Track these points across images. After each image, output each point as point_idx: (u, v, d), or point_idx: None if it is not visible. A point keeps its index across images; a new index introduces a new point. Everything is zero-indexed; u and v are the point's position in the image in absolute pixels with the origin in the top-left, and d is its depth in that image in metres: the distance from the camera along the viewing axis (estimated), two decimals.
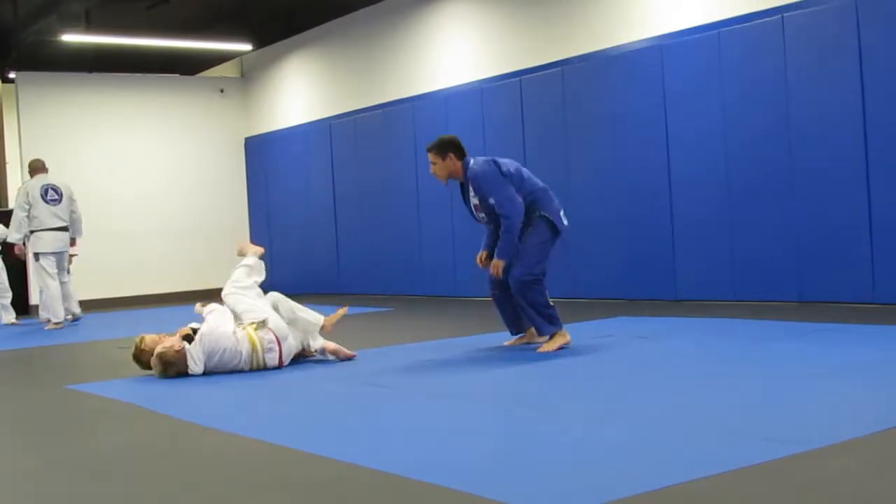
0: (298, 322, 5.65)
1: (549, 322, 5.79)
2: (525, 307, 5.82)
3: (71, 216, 9.81)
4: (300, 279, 13.00)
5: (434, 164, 6.03)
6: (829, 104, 7.26)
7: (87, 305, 12.65)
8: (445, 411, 4.05)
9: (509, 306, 6.03)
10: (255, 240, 14.38)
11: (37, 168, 9.80)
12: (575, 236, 9.32)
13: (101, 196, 12.73)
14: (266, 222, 14.08)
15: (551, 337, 5.78)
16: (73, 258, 10.78)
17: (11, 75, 13.22)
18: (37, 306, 11.42)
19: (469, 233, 10.45)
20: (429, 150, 6.08)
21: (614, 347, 5.82)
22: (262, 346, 5.42)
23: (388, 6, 11.66)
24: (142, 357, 5.45)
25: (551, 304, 5.87)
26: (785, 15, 7.50)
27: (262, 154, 14.04)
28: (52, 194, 9.65)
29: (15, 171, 13.51)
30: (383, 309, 9.74)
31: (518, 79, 9.84)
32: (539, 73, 9.61)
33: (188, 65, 14.14)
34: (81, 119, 13.29)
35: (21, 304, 12.14)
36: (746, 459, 2.85)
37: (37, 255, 9.62)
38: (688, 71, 8.20)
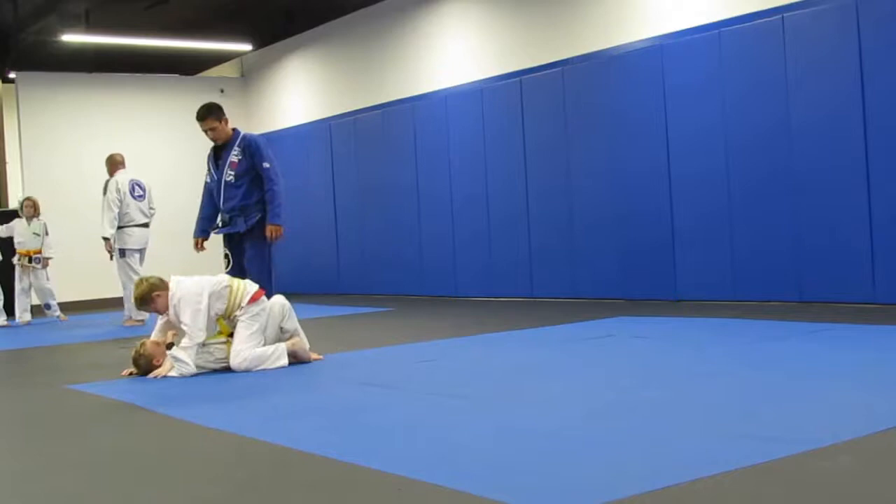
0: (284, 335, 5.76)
1: None
2: None
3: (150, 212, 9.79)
4: (300, 279, 13.01)
5: (213, 129, 6.47)
6: (829, 104, 7.26)
7: (88, 305, 12.71)
8: (445, 411, 4.05)
9: None
10: None
11: (119, 162, 9.74)
12: (575, 236, 9.33)
13: (101, 196, 12.70)
14: None
15: None
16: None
17: (11, 75, 13.22)
18: (38, 306, 11.41)
19: (469, 233, 10.46)
20: (205, 118, 6.48)
21: (614, 347, 5.82)
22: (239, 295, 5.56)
23: (388, 6, 11.66)
24: (139, 361, 5.54)
25: None
26: (785, 15, 7.50)
27: None
28: (137, 190, 9.63)
29: (15, 171, 13.50)
30: (383, 309, 9.74)
31: (518, 79, 9.84)
32: (539, 73, 9.61)
33: (188, 65, 14.14)
34: (81, 119, 13.28)
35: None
36: (746, 459, 2.84)
37: (123, 252, 9.50)
38: (688, 71, 8.20)
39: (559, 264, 9.50)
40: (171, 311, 5.51)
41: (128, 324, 9.46)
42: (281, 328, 5.70)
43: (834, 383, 4.18)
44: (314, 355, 5.80)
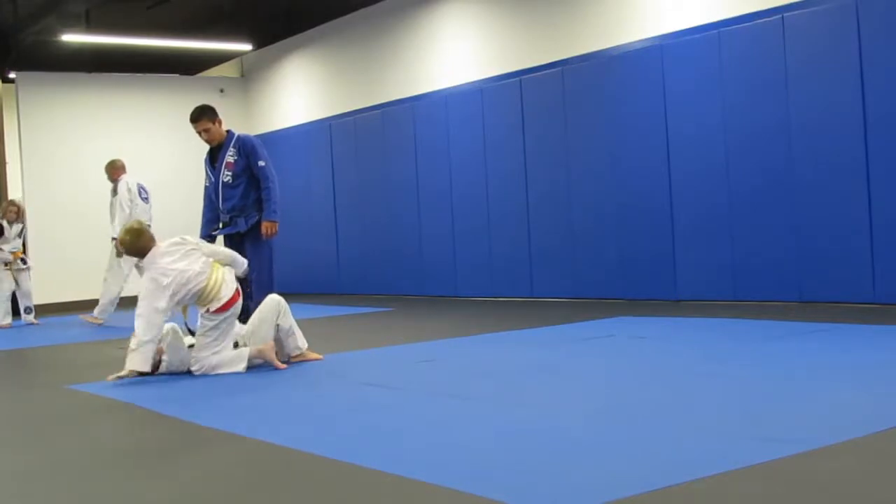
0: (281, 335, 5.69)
1: None
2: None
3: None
4: (300, 279, 13.01)
5: (207, 130, 6.56)
6: (829, 104, 7.26)
7: (89, 305, 12.67)
8: (445, 411, 4.05)
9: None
10: None
11: (120, 168, 9.82)
12: (575, 236, 9.33)
13: (101, 196, 12.70)
14: None
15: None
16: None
17: (11, 75, 13.22)
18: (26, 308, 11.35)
19: (469, 233, 10.46)
20: (199, 120, 6.56)
21: (614, 347, 5.82)
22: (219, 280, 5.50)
23: (388, 6, 11.66)
24: None
25: None
26: (785, 15, 7.50)
27: None
28: (143, 193, 9.78)
29: (15, 171, 13.50)
30: (383, 309, 9.74)
31: (518, 79, 9.84)
32: (539, 73, 9.61)
33: (188, 65, 14.14)
34: (81, 119, 13.27)
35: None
36: (746, 459, 2.85)
37: (121, 252, 9.60)
38: (688, 71, 8.19)
39: (559, 264, 9.50)
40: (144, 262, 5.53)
41: (89, 319, 9.56)
42: (278, 325, 5.67)
43: (834, 383, 4.18)
44: (314, 355, 5.79)
